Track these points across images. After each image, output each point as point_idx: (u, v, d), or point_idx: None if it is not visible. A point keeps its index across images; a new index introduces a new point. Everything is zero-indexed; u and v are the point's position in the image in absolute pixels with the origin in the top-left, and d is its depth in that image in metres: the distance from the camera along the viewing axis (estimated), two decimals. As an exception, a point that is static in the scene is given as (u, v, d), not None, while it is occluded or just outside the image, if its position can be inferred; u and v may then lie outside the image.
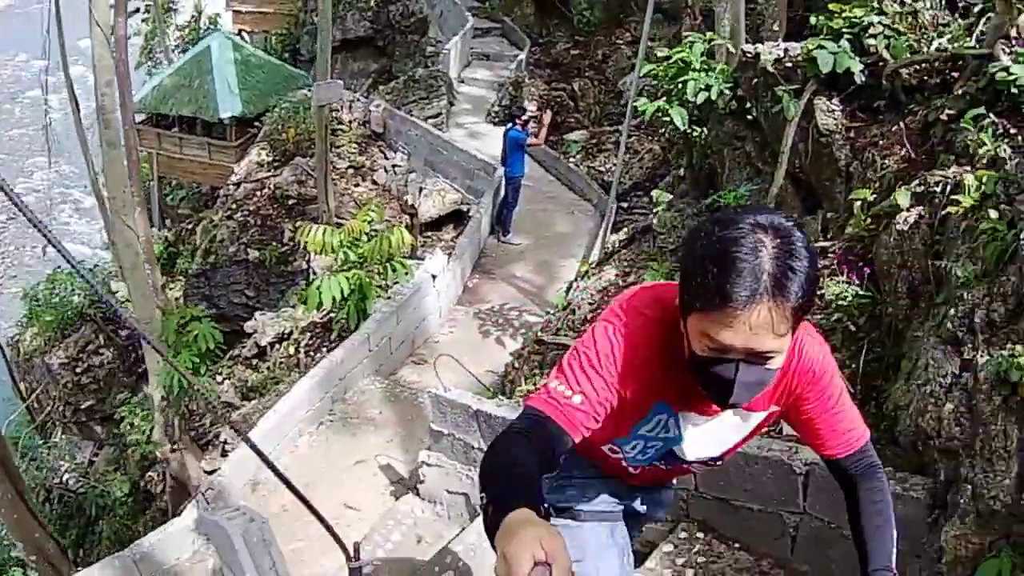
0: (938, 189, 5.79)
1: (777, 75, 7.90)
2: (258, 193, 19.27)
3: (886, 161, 6.86)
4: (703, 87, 8.76)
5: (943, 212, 5.54)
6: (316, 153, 17.42)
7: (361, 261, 12.30)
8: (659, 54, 9.51)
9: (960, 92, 7.01)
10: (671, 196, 10.77)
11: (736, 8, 12.18)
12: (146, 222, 14.22)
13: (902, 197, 5.96)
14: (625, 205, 16.28)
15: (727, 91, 8.80)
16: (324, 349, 13.59)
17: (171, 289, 19.47)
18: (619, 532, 3.03)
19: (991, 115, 6.27)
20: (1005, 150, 5.54)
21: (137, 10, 30.74)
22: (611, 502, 2.97)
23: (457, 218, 17.48)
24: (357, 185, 19.09)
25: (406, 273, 12.49)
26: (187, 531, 8.04)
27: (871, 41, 7.90)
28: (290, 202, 18.86)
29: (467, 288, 14.36)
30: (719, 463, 2.75)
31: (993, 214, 4.86)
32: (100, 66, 12.09)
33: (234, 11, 34.74)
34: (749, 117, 9.02)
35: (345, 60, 27.14)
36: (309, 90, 21.96)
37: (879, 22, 8.03)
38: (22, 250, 39.31)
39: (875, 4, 8.52)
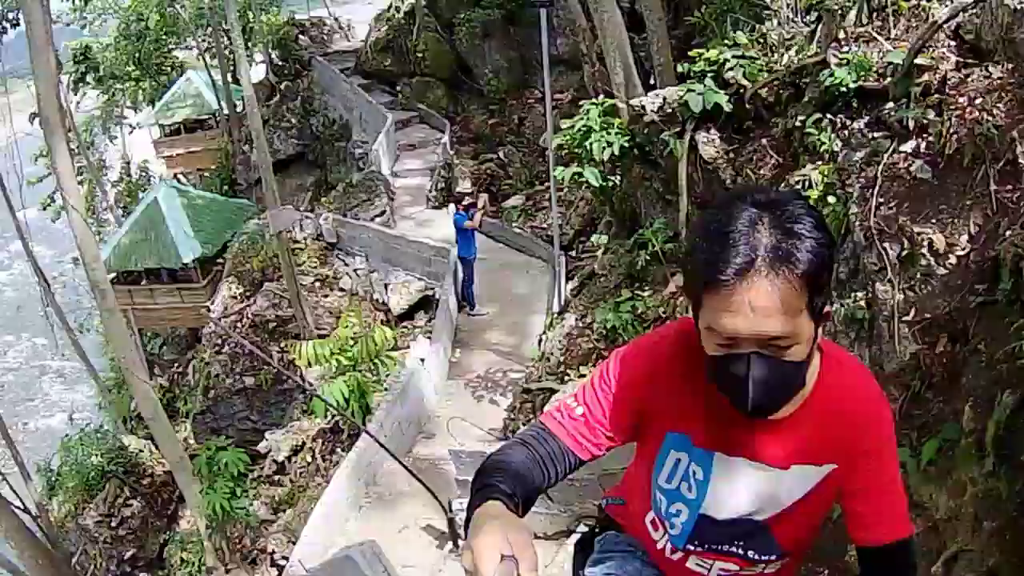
0: (799, 187, 7.30)
1: (660, 122, 9.44)
2: (239, 324, 20.41)
3: (761, 171, 8.40)
4: (606, 144, 10.24)
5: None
6: (284, 276, 18.64)
7: (352, 364, 13.52)
8: (563, 124, 10.93)
9: (807, 99, 8.57)
10: (607, 238, 12.20)
11: (624, 55, 13.22)
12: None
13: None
14: (573, 253, 17.42)
15: (626, 143, 10.29)
16: (339, 450, 14.72)
17: (178, 431, 20.44)
18: None
19: (827, 116, 7.80)
20: (837, 144, 7.08)
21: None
22: None
23: (426, 303, 18.44)
24: (326, 296, 20.21)
25: (395, 364, 13.72)
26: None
27: (730, 74, 9.47)
28: (271, 326, 19.99)
29: (452, 363, 15.42)
30: (774, 556, 2.19)
31: (831, 199, 6.37)
32: (84, 244, 13.28)
33: (165, 157, 35.91)
34: (652, 159, 10.52)
35: (281, 181, 28.11)
36: (259, 217, 23.27)
37: (732, 56, 9.60)
38: (14, 429, 39.24)
39: (728, 41, 10.10)
